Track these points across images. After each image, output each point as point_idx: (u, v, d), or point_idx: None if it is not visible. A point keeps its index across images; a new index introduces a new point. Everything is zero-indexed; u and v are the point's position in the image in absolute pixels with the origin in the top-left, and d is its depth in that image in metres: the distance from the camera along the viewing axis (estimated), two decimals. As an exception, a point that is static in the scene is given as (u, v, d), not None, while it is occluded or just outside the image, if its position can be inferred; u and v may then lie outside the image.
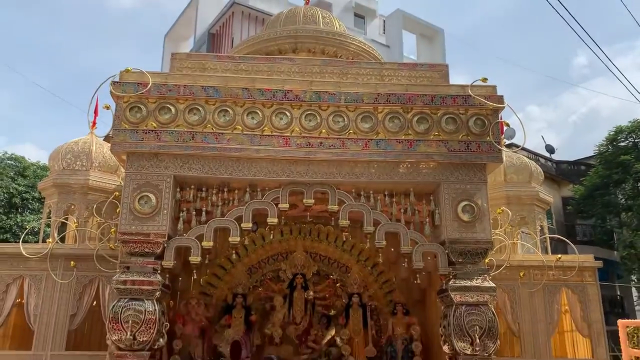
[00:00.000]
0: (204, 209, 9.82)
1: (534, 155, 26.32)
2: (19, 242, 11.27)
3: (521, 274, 11.47)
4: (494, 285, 9.31)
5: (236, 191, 9.90)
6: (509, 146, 14.78)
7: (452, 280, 9.27)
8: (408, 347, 11.11)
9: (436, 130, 9.68)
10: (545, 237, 12.85)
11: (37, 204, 24.76)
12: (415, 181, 9.75)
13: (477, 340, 8.76)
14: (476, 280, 9.24)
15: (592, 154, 27.10)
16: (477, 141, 9.65)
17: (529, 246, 12.48)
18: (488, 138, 9.64)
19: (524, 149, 14.59)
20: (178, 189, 9.72)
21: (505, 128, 10.66)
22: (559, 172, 28.46)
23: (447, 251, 9.44)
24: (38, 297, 10.79)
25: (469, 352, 8.88)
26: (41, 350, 10.39)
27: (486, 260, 9.79)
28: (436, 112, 9.76)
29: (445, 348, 9.30)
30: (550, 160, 29.37)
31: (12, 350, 10.75)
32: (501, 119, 10.03)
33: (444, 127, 9.67)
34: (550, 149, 30.69)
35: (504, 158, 10.77)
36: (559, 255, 12.16)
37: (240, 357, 10.92)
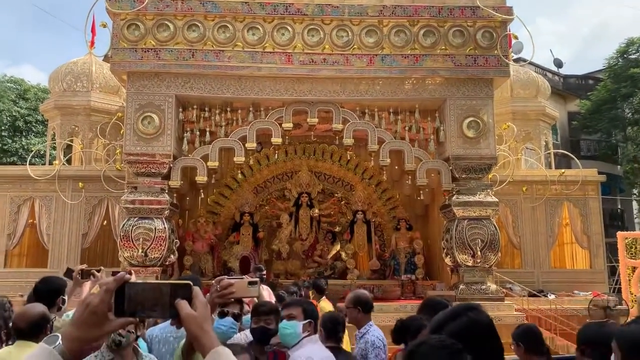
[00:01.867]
0: (207, 129, 9.80)
1: (542, 70, 25.69)
2: (26, 164, 11.38)
3: (524, 189, 11.58)
4: (496, 199, 9.45)
5: (239, 111, 9.83)
6: (517, 60, 14.40)
7: (455, 195, 9.41)
8: (411, 260, 11.45)
9: (443, 44, 9.41)
10: (549, 152, 12.85)
11: (41, 127, 24.73)
12: (421, 98, 9.64)
13: (479, 253, 9.01)
14: (479, 195, 9.37)
15: (601, 67, 26.56)
16: (485, 55, 9.41)
17: (532, 161, 12.52)
18: (496, 52, 9.39)
19: (531, 63, 14.23)
20: (181, 109, 9.66)
21: (513, 41, 10.35)
22: (567, 87, 27.94)
23: (451, 167, 9.50)
24: (49, 217, 11.06)
25: (470, 264, 9.17)
26: (57, 267, 10.75)
27: (489, 176, 9.91)
28: (443, 25, 9.45)
29: (447, 260, 9.59)
30: (558, 74, 28.73)
31: (29, 268, 11.15)
32: (509, 31, 9.72)
33: (451, 40, 9.39)
34: (558, 63, 29.94)
35: (511, 72, 10.56)
36: (562, 170, 12.24)
37: (249, 271, 11.30)
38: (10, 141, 24.95)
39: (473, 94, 9.51)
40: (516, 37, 10.09)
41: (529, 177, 11.77)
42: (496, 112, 10.13)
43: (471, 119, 9.38)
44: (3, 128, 24.98)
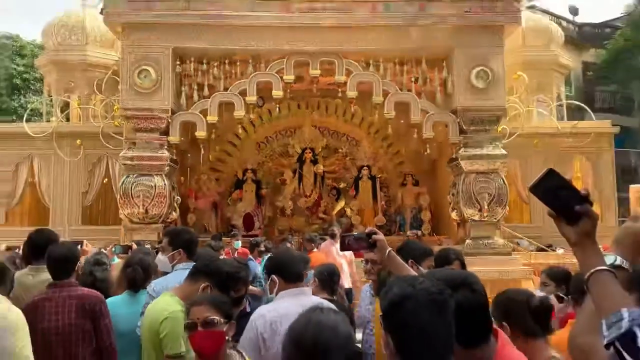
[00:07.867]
0: (206, 82, 9.65)
1: (556, 18, 24.98)
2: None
3: (535, 142, 11.41)
4: (504, 152, 9.33)
5: (239, 63, 9.62)
6: (529, 7, 13.96)
7: (463, 149, 9.30)
8: (417, 216, 11.46)
9: (450, -11, 9.11)
10: (561, 104, 12.60)
11: (39, 85, 24.50)
12: (428, 46, 9.39)
13: (486, 207, 8.97)
14: (487, 148, 9.25)
15: (619, 15, 25.82)
16: (494, 0, 9.11)
17: (544, 113, 12.27)
18: (506, -3, 9.09)
19: (544, 10, 13.80)
20: (178, 62, 9.46)
21: (526, -14, 10.01)
22: (582, 36, 27.15)
23: (458, 120, 9.34)
24: (48, 176, 11.06)
25: (477, 218, 9.14)
26: (59, 225, 10.83)
27: (499, 128, 9.74)
28: (450, -31, 9.13)
29: (454, 215, 9.58)
30: (573, 23, 27.89)
31: (31, 226, 11.26)
32: (522, -26, 9.38)
33: (459, -15, 9.09)
34: (573, 11, 29.07)
35: (523, 20, 10.23)
36: (575, 122, 12.02)
37: (253, 228, 11.38)
38: (8, 99, 24.78)
39: (482, 42, 9.26)
40: (529, -19, 9.75)
41: (540, 130, 11.57)
42: (507, 62, 9.87)
43: (480, 68, 9.15)
44: (1, 86, 24.78)
